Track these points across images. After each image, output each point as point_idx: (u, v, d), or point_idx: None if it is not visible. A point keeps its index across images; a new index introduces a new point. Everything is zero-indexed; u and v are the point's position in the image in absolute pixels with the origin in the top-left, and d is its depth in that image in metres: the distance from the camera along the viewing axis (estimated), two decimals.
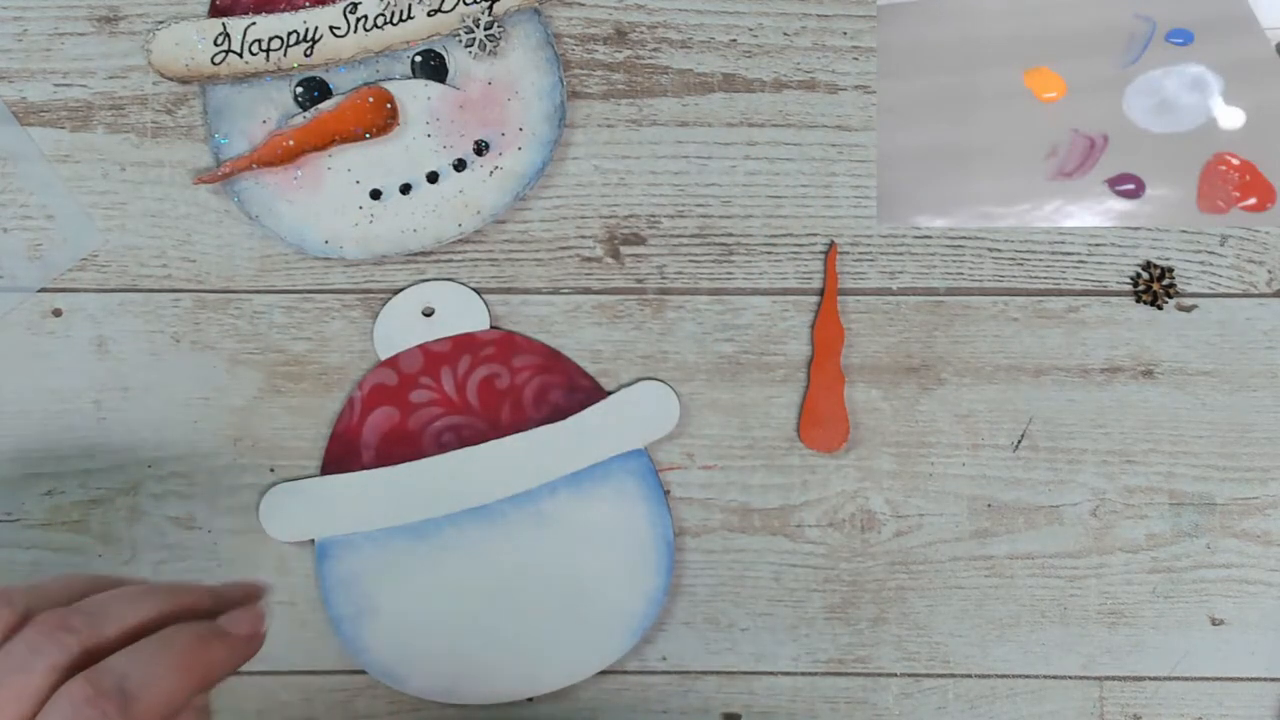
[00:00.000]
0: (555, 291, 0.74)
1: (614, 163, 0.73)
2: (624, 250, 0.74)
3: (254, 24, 0.70)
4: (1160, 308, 0.73)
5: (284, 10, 0.71)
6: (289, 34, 0.70)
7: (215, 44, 0.70)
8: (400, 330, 0.73)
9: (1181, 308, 0.74)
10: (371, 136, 0.71)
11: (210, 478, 0.74)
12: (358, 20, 0.71)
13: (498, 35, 0.71)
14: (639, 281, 0.74)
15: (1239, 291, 0.73)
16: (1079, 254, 0.73)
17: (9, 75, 0.73)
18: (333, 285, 0.74)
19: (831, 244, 0.73)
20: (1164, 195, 0.73)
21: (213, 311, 0.74)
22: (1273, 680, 0.74)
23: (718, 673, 0.74)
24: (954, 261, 0.74)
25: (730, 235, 0.73)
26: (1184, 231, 0.73)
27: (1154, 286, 0.73)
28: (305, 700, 0.74)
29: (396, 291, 0.73)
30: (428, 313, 0.73)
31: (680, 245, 0.74)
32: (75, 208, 0.73)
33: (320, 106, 0.71)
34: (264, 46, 0.70)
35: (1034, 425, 0.74)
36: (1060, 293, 0.74)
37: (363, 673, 0.73)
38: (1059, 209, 0.73)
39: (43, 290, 0.74)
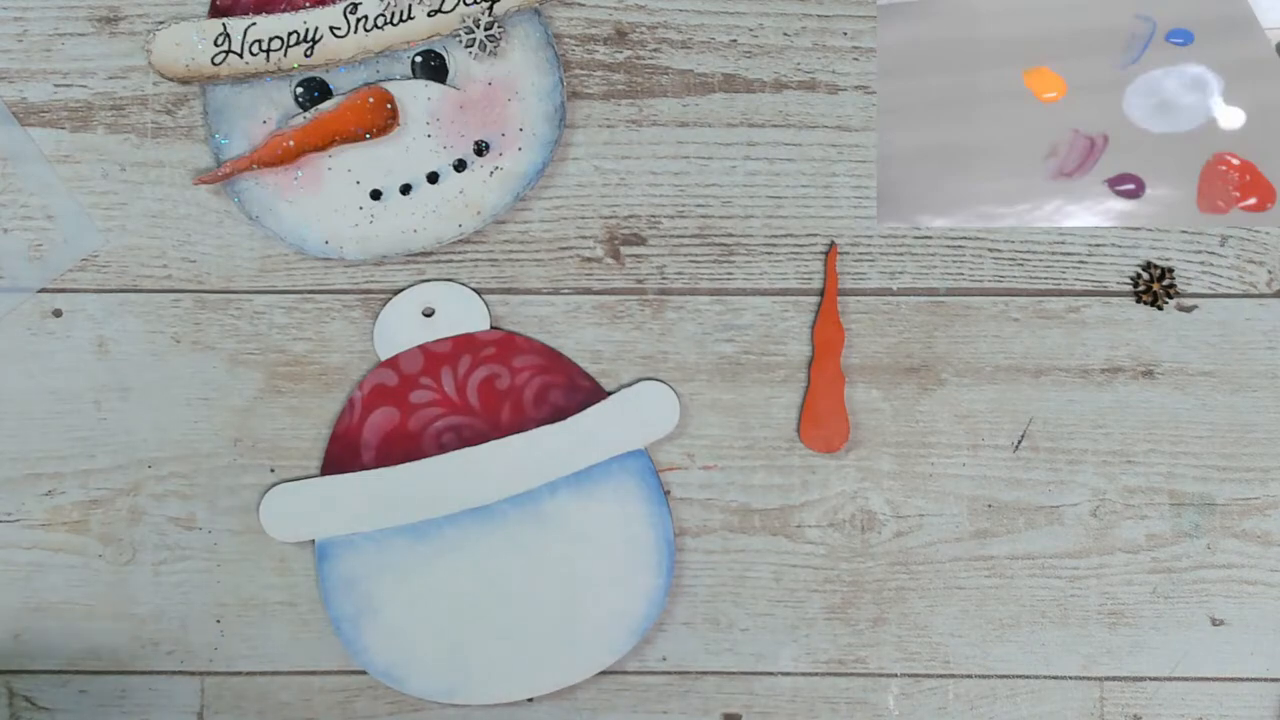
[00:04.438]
0: (555, 292, 0.74)
1: (614, 163, 0.73)
2: (624, 250, 0.74)
3: (254, 24, 0.70)
4: (1160, 308, 0.73)
5: (284, 11, 0.71)
6: (289, 34, 0.70)
7: (215, 44, 0.70)
8: (400, 330, 0.73)
9: (1182, 308, 0.73)
10: (372, 137, 0.71)
11: (210, 478, 0.74)
12: (358, 21, 0.70)
13: (498, 36, 0.71)
14: (639, 282, 0.74)
15: (1239, 292, 0.73)
16: (1079, 254, 0.73)
17: (9, 75, 0.73)
18: (333, 285, 0.74)
19: (831, 244, 0.73)
20: (1164, 195, 0.73)
21: (213, 312, 0.74)
22: (1273, 680, 0.74)
23: (718, 673, 0.74)
24: (954, 262, 0.74)
25: (730, 235, 0.73)
26: (1184, 232, 0.73)
27: (1154, 287, 0.73)
28: (305, 700, 0.74)
29: (397, 292, 0.73)
30: (428, 313, 0.73)
31: (680, 245, 0.74)
32: (75, 208, 0.73)
33: (320, 107, 0.71)
34: (264, 47, 0.70)
35: (1034, 425, 0.74)
36: (1060, 293, 0.74)
37: (363, 673, 0.73)
38: (1059, 209, 0.73)
39: (43, 291, 0.74)
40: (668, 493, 0.74)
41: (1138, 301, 0.73)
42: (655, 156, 0.73)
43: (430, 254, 0.73)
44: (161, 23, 0.72)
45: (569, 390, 0.73)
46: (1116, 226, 0.73)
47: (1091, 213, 0.73)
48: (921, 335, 0.74)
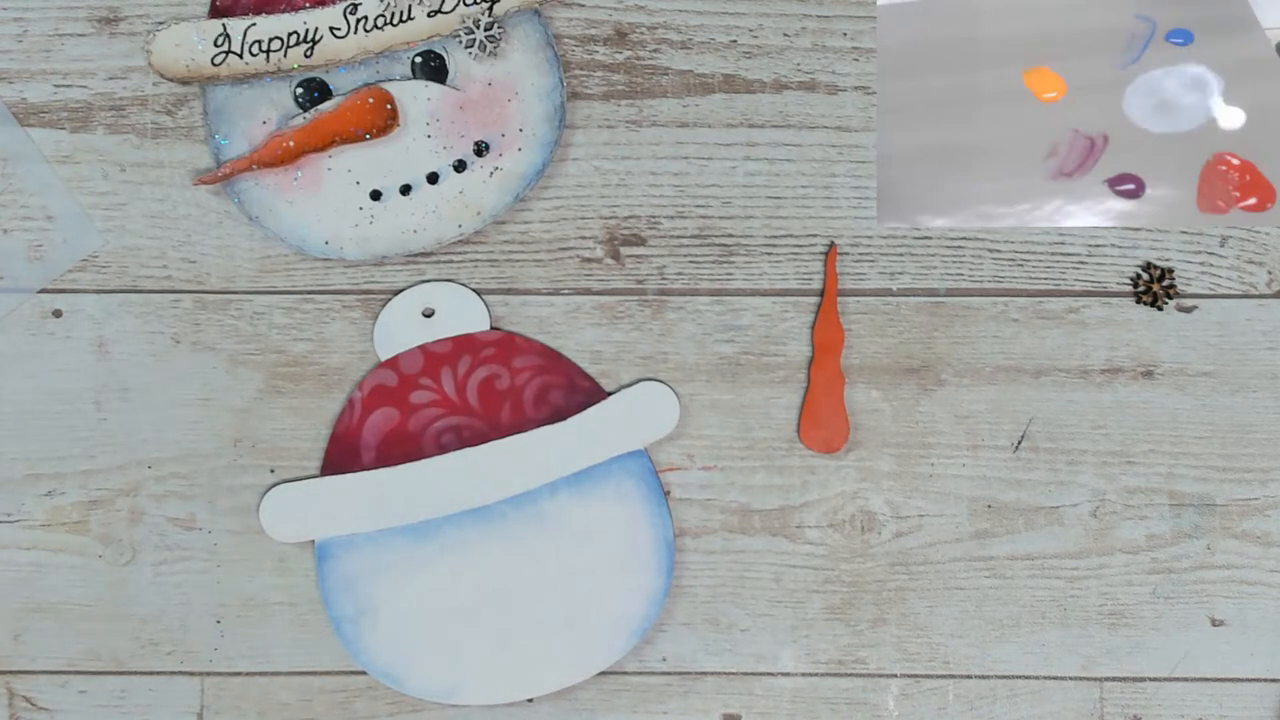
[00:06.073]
0: (555, 292, 0.74)
1: (614, 163, 0.73)
2: (624, 251, 0.74)
3: (254, 25, 0.70)
4: (1160, 308, 0.73)
5: (284, 11, 0.71)
6: (289, 35, 0.70)
7: (215, 45, 0.70)
8: (400, 331, 0.73)
9: (1181, 308, 0.73)
10: (371, 137, 0.71)
11: (210, 478, 0.74)
12: (358, 21, 0.70)
13: (498, 36, 0.71)
14: (639, 282, 0.74)
15: (1239, 292, 0.73)
16: (1079, 254, 0.73)
17: (9, 76, 0.73)
18: (333, 286, 0.74)
19: (831, 245, 0.73)
20: (1164, 195, 0.73)
21: (213, 312, 0.74)
22: (1273, 680, 0.74)
23: (718, 673, 0.74)
24: (954, 262, 0.74)
25: (730, 236, 0.73)
26: (1184, 232, 0.73)
27: (1154, 287, 0.73)
28: (305, 700, 0.74)
29: (397, 292, 0.73)
30: (428, 313, 0.73)
31: (680, 246, 0.74)
32: (75, 208, 0.73)
33: (320, 107, 0.71)
34: (264, 47, 0.70)
35: (1034, 426, 0.74)
36: (1060, 293, 0.74)
37: (363, 673, 0.74)
38: (1059, 209, 0.73)
39: (43, 291, 0.74)
40: (668, 493, 0.74)
41: (1138, 302, 0.73)
42: (655, 157, 0.73)
43: (430, 254, 0.73)
44: (161, 23, 0.72)
45: (569, 390, 0.73)
46: (1116, 226, 0.73)
47: (1091, 213, 0.73)
48: (921, 336, 0.74)
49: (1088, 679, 0.74)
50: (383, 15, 0.71)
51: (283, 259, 0.74)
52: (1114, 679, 0.74)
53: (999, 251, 0.74)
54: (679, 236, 0.74)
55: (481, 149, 0.72)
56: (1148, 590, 0.74)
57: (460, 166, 0.72)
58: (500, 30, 0.71)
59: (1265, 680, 0.74)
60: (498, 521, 0.72)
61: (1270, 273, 0.73)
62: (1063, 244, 0.73)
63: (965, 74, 0.73)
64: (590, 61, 0.73)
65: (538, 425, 0.72)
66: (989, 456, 0.74)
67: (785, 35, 0.73)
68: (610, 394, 0.73)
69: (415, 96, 0.72)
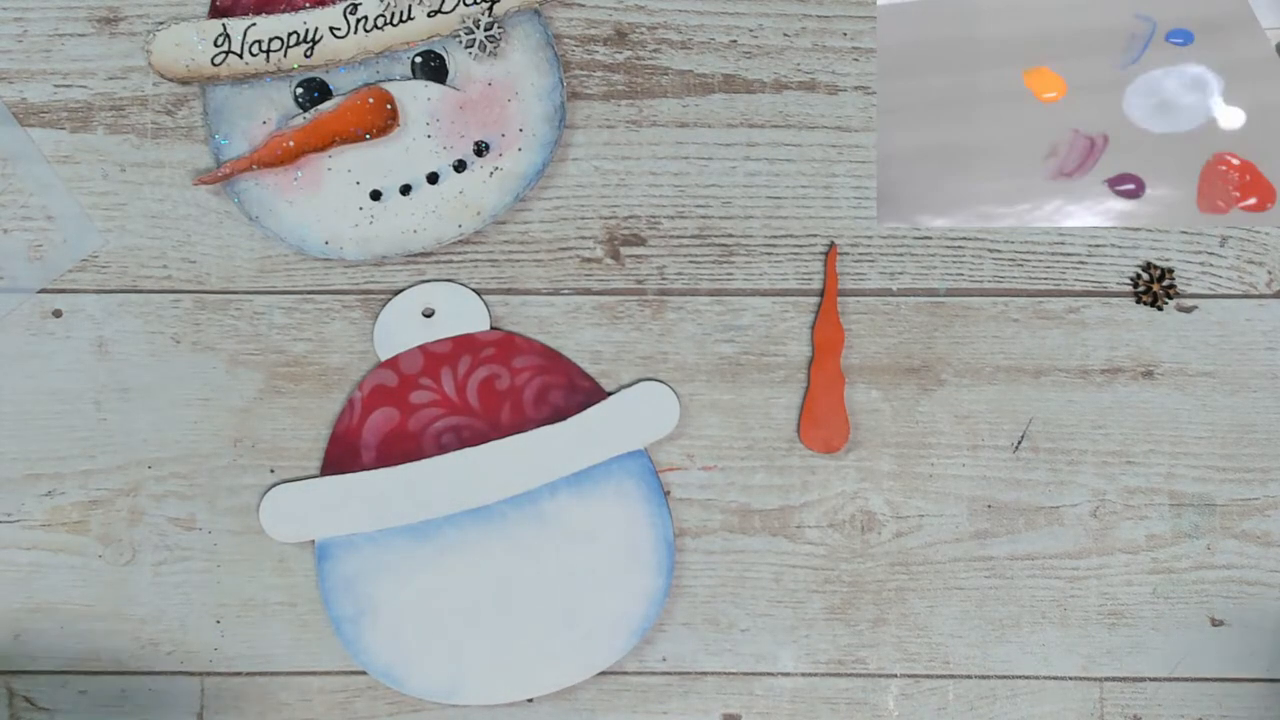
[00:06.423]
0: (555, 292, 0.74)
1: (614, 163, 0.73)
2: (624, 251, 0.74)
3: (254, 25, 0.70)
4: (1160, 308, 0.73)
5: (284, 11, 0.71)
6: (289, 35, 0.70)
7: (215, 45, 0.70)
8: (400, 331, 0.73)
9: (1181, 308, 0.73)
10: (371, 137, 0.71)
11: (210, 478, 0.74)
12: (358, 21, 0.70)
13: (498, 36, 0.71)
14: (639, 282, 0.74)
15: (1239, 292, 0.73)
16: (1079, 254, 0.73)
17: (9, 76, 0.73)
18: (333, 286, 0.74)
19: (831, 245, 0.73)
20: (1164, 195, 0.73)
21: (213, 312, 0.74)
22: (1273, 680, 0.74)
23: (718, 673, 0.74)
24: (954, 262, 0.74)
25: (730, 236, 0.73)
26: (1184, 232, 0.73)
27: (1154, 287, 0.73)
28: (305, 700, 0.74)
29: (397, 292, 0.73)
30: (428, 313, 0.73)
31: (680, 246, 0.74)
32: (75, 208, 0.73)
33: (320, 107, 0.71)
34: (264, 47, 0.70)
35: (1034, 426, 0.74)
36: (1060, 293, 0.74)
37: (363, 673, 0.74)
38: (1059, 209, 0.73)
39: (43, 291, 0.74)
40: (668, 493, 0.74)
41: (1138, 302, 0.73)
42: (655, 157, 0.73)
43: (430, 254, 0.73)
44: (161, 23, 0.72)
45: (569, 390, 0.73)
46: (1116, 226, 0.73)
47: (1091, 213, 0.73)
48: (921, 335, 0.74)
49: (1088, 679, 0.74)
50: (383, 15, 0.71)
51: (283, 259, 0.74)
52: (1114, 679, 0.74)
53: (999, 251, 0.74)
54: (679, 236, 0.74)
55: (481, 149, 0.72)
56: (1148, 590, 0.74)
57: (460, 166, 0.72)
58: (500, 30, 0.71)
59: (1265, 680, 0.74)
60: (498, 521, 0.72)
61: (1270, 273, 0.73)
62: (1063, 244, 0.73)
63: (965, 74, 0.73)
64: (590, 61, 0.73)
65: (538, 425, 0.72)
66: (989, 456, 0.74)
67: (785, 35, 0.73)
68: (610, 394, 0.73)
69: (415, 96, 0.72)
